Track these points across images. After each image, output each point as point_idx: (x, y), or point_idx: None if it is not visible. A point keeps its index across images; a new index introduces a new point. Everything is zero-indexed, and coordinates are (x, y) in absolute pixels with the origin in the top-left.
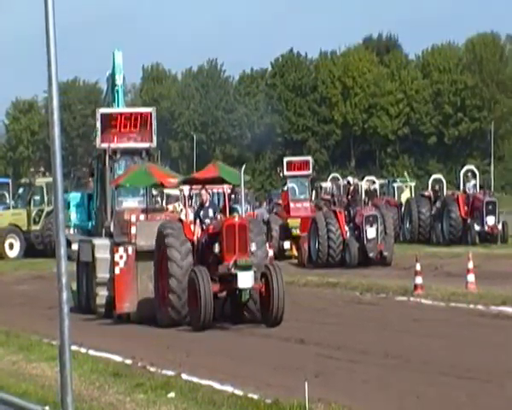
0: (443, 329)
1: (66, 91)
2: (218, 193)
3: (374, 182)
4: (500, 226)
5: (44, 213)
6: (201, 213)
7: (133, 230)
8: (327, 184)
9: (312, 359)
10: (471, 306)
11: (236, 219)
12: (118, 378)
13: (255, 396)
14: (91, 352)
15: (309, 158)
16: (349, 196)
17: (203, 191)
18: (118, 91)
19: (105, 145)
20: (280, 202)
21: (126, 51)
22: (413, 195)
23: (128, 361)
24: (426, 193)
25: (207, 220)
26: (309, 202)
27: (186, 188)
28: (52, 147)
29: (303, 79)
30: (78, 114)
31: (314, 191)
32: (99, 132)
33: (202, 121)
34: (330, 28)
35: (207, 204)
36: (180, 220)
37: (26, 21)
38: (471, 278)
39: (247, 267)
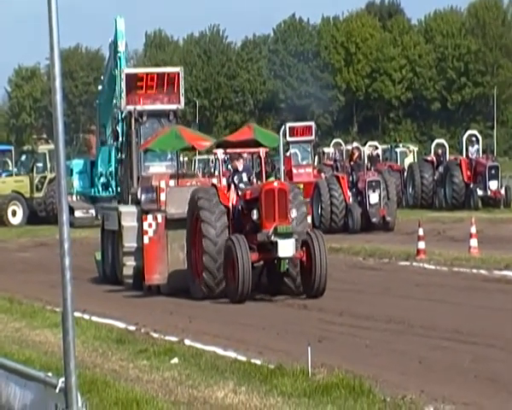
0: (446, 294)
1: (68, 59)
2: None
3: (376, 147)
4: (503, 191)
5: (47, 180)
6: (235, 177)
7: (162, 196)
8: (329, 150)
9: (315, 324)
10: (474, 270)
11: (276, 183)
12: (121, 345)
13: (258, 362)
14: (94, 318)
15: (311, 123)
16: (352, 162)
17: (237, 155)
18: (120, 58)
19: (130, 107)
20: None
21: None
22: (416, 160)
23: (131, 328)
24: (428, 158)
25: (242, 185)
26: (312, 167)
27: (220, 151)
28: (54, 114)
29: (305, 45)
30: (81, 82)
31: (317, 157)
32: (124, 94)
33: (205, 87)
34: None
35: (241, 168)
36: (214, 186)
37: None
38: (474, 242)
39: (287, 235)
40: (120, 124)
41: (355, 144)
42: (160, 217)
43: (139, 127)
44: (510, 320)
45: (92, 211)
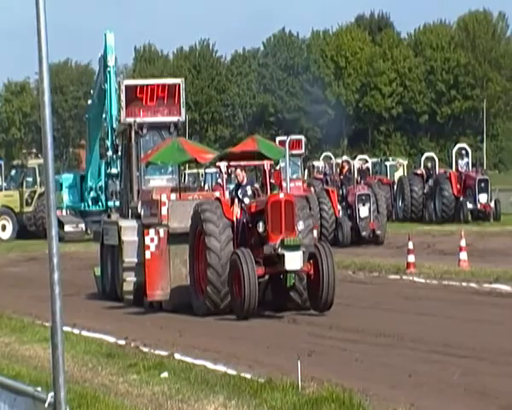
0: (436, 307)
1: (58, 73)
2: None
3: (366, 161)
4: (492, 204)
5: (37, 195)
6: (239, 191)
7: (163, 210)
8: (319, 164)
9: (305, 338)
10: (464, 283)
11: (282, 195)
12: (111, 359)
13: (248, 376)
14: (84, 333)
15: (301, 137)
16: (341, 175)
17: (238, 171)
18: (110, 72)
19: (130, 120)
20: (273, 181)
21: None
22: (405, 173)
23: (121, 342)
24: (418, 171)
25: (246, 199)
26: (301, 181)
27: (223, 164)
28: (43, 128)
29: (295, 59)
30: (70, 96)
31: (306, 170)
32: (123, 106)
33: (195, 101)
34: (322, 7)
35: (245, 182)
36: (218, 199)
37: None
38: (464, 255)
39: (295, 247)
40: (120, 136)
41: (345, 158)
42: (161, 231)
43: (139, 140)
44: (500, 334)
45: (82, 225)
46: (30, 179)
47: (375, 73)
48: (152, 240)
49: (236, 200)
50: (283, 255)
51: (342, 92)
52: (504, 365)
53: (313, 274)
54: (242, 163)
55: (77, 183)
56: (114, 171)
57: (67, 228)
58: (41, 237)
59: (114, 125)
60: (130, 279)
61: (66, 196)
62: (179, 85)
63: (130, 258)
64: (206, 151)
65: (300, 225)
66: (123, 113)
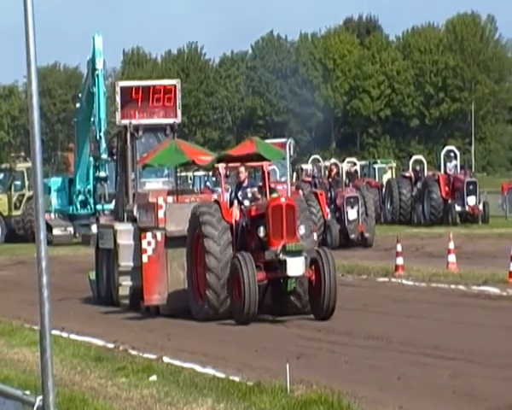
0: (424, 309)
1: (47, 76)
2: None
3: (354, 164)
4: (481, 206)
5: (25, 199)
6: (239, 193)
7: (160, 213)
8: (308, 166)
9: (294, 341)
10: (452, 286)
11: (283, 199)
12: (99, 363)
13: (237, 379)
14: (73, 336)
15: (291, 140)
16: (330, 178)
17: (241, 169)
18: (98, 76)
19: (126, 121)
20: (261, 184)
21: (106, 36)
22: (394, 176)
23: (110, 345)
24: (407, 174)
25: (246, 201)
26: (290, 183)
27: (222, 166)
28: (31, 131)
29: (283, 62)
30: (59, 100)
31: (295, 173)
32: (119, 108)
33: (183, 104)
34: (311, 10)
35: (246, 183)
36: (216, 202)
37: (6, 5)
38: (452, 258)
39: (297, 253)
40: (115, 139)
41: (333, 161)
42: (159, 235)
43: (135, 142)
44: (489, 336)
45: (70, 229)
46: (18, 183)
47: (364, 76)
48: (149, 243)
49: (236, 201)
50: (285, 261)
51: (331, 95)
52: (493, 367)
53: (314, 280)
54: (240, 165)
55: (65, 186)
56: (103, 174)
57: (56, 231)
58: (29, 240)
59: (103, 129)
60: (126, 284)
61: (54, 200)
62: (175, 87)
63: (126, 262)
64: (205, 153)
65: (302, 230)
66: (118, 115)
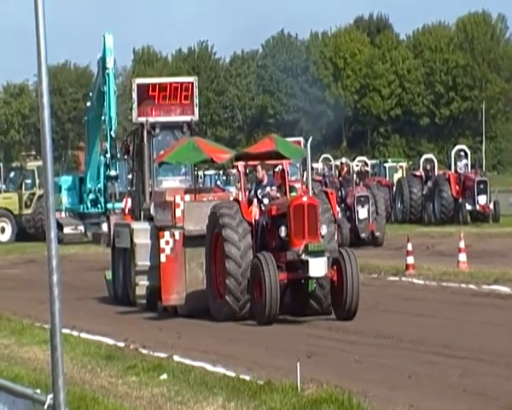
0: (435, 308)
1: (57, 75)
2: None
3: (366, 164)
4: (491, 205)
5: (36, 197)
6: (259, 191)
7: (178, 212)
8: (318, 165)
9: (304, 339)
10: (463, 285)
11: (305, 198)
12: (110, 361)
13: (247, 377)
14: (83, 335)
15: (300, 139)
16: (340, 177)
17: (258, 168)
18: (108, 74)
19: (142, 119)
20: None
21: (117, 34)
22: (404, 175)
23: (120, 344)
24: (417, 173)
25: (265, 200)
26: (301, 183)
27: (241, 164)
28: (42, 130)
29: (294, 60)
30: (69, 98)
31: (305, 172)
32: (135, 105)
33: None
34: (321, 9)
35: (265, 182)
36: (236, 201)
37: (17, 4)
38: (463, 257)
39: (319, 253)
40: (131, 136)
41: (343, 160)
42: (177, 234)
43: (151, 140)
44: (499, 335)
45: (81, 227)
46: (29, 181)
47: (374, 75)
48: (167, 243)
49: (255, 200)
50: (307, 261)
51: (341, 94)
52: (504, 366)
53: (337, 280)
54: (259, 163)
55: (76, 185)
56: (113, 173)
57: (66, 230)
58: (40, 239)
59: (113, 127)
60: (142, 283)
61: (65, 198)
62: (193, 84)
63: (142, 261)
64: (223, 151)
65: (324, 230)
66: (135, 112)
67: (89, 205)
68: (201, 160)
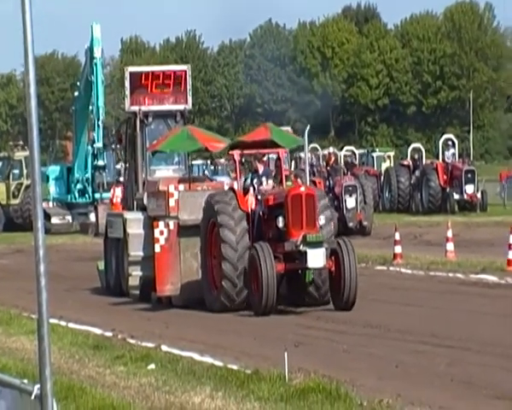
0: (422, 298)
1: (45, 65)
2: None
3: (354, 153)
4: (479, 195)
5: (23, 187)
6: (255, 181)
7: (171, 202)
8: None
9: (292, 329)
10: (450, 274)
11: (303, 188)
12: (98, 351)
13: (235, 367)
14: (71, 325)
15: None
16: (328, 167)
17: (260, 156)
18: (96, 64)
19: (135, 108)
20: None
21: (104, 24)
22: (392, 164)
23: (108, 334)
24: (405, 162)
25: (262, 189)
26: (288, 172)
27: (237, 153)
28: (29, 120)
29: (282, 50)
30: (57, 88)
31: (293, 161)
32: (128, 94)
33: None
34: None
35: (261, 171)
36: (232, 189)
37: None
38: (450, 246)
39: (317, 244)
40: (123, 125)
41: (331, 149)
42: (171, 224)
43: (144, 129)
44: (486, 323)
45: (69, 217)
46: (16, 172)
47: (362, 65)
48: (161, 233)
49: (251, 189)
50: (305, 252)
51: (329, 83)
52: (491, 355)
53: (335, 271)
54: (254, 152)
55: (63, 175)
56: (101, 163)
57: (54, 220)
58: (28, 229)
59: (101, 117)
60: (136, 274)
61: (52, 188)
62: (186, 72)
63: (135, 251)
64: (217, 140)
65: (322, 220)
66: (127, 101)
67: (76, 195)
68: (196, 148)
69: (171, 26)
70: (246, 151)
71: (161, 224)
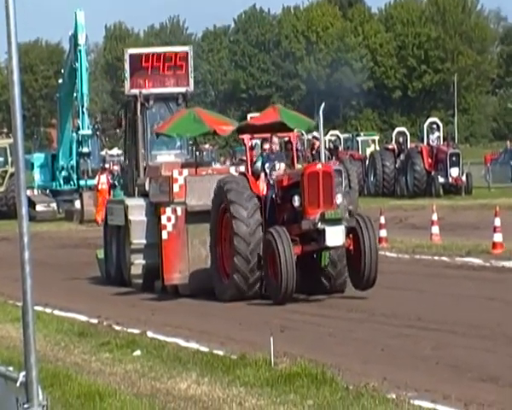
0: (408, 281)
1: (28, 52)
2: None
3: (338, 137)
4: (464, 178)
5: (8, 175)
6: (267, 165)
7: (176, 187)
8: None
9: (277, 314)
10: (435, 257)
11: (319, 165)
12: (83, 338)
13: (220, 352)
14: (56, 312)
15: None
16: (313, 151)
17: (275, 139)
18: (80, 51)
19: (135, 91)
20: (244, 158)
21: (88, 11)
22: (377, 148)
23: (93, 321)
24: (390, 146)
25: (274, 173)
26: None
27: (247, 136)
28: (12, 107)
29: (266, 35)
30: (41, 75)
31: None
32: (128, 76)
33: None
34: None
35: (273, 155)
36: (243, 174)
37: None
38: (435, 229)
39: (336, 221)
40: (123, 109)
41: (315, 134)
42: (179, 210)
43: (145, 112)
44: (472, 306)
45: (54, 205)
46: (1, 159)
47: (346, 49)
48: (169, 219)
49: (263, 174)
50: (324, 230)
51: (313, 68)
52: (476, 337)
53: (353, 249)
54: (265, 135)
55: (48, 162)
56: (86, 150)
57: (39, 207)
58: (12, 217)
59: (85, 104)
60: (138, 262)
61: (37, 176)
62: (187, 53)
63: (138, 239)
64: (225, 122)
65: (339, 198)
66: (127, 84)
67: (61, 182)
68: (203, 132)
69: (155, 13)
70: (256, 135)
71: (168, 210)
